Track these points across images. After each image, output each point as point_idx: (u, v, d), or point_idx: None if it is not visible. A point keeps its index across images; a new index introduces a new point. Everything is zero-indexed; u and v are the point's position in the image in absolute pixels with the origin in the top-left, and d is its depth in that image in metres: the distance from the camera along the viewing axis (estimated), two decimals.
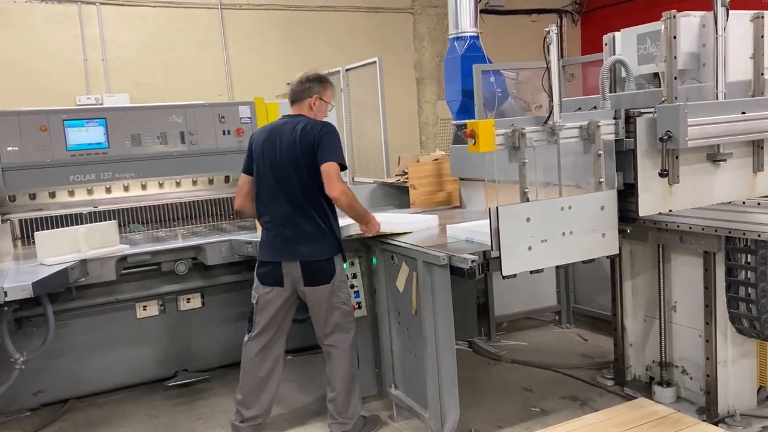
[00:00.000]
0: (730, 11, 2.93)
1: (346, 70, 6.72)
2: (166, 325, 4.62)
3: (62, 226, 4.45)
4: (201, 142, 4.76)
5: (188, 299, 4.65)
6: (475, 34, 5.35)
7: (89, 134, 4.44)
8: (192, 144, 4.73)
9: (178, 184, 4.91)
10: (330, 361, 3.69)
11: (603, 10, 10.26)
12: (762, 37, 2.78)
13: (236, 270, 4.69)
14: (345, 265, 3.72)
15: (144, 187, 4.79)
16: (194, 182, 4.98)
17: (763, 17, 2.80)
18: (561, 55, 10.16)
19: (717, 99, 2.59)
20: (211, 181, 5.02)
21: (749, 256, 3.21)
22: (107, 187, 4.66)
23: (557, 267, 4.73)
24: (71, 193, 4.59)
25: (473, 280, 4.96)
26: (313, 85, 3.55)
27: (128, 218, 4.83)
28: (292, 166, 3.45)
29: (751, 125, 2.54)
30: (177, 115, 4.68)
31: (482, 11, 9.47)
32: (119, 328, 4.47)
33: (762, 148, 2.70)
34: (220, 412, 4.22)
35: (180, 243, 4.29)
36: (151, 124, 4.61)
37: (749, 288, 3.26)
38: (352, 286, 4.05)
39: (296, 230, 3.49)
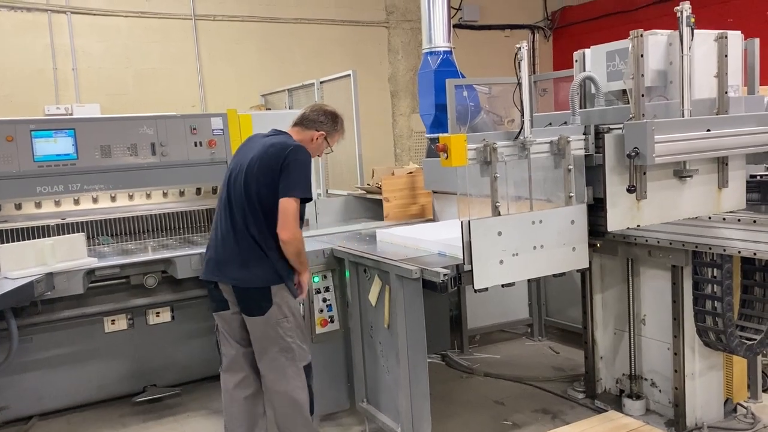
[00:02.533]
0: (696, 30, 2.99)
1: (321, 82, 6.73)
2: (135, 340, 4.53)
3: (28, 239, 4.34)
4: (172, 154, 4.70)
5: (158, 313, 4.57)
6: (449, 49, 5.40)
7: (57, 145, 4.37)
8: (163, 155, 4.68)
9: (148, 196, 4.85)
10: (268, 407, 3.43)
11: (574, 26, 10.43)
12: (726, 56, 2.85)
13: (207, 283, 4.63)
14: (299, 298, 3.40)
15: (113, 198, 4.71)
16: (165, 194, 4.91)
17: (726, 37, 2.87)
18: (533, 71, 10.34)
19: (683, 116, 2.64)
20: (182, 193, 4.96)
21: (715, 270, 3.27)
22: (75, 198, 4.57)
23: (529, 280, 4.77)
24: (38, 205, 4.49)
25: (446, 293, 5.02)
26: (327, 121, 3.38)
27: (97, 230, 4.74)
28: (245, 181, 3.20)
29: (716, 142, 2.59)
30: (148, 126, 4.62)
31: (456, 26, 9.58)
32: (86, 342, 4.37)
33: (726, 164, 2.76)
34: (190, 428, 4.16)
35: (149, 256, 4.22)
36: (121, 136, 4.54)
37: (715, 302, 3.31)
38: (325, 300, 4.04)
39: (230, 251, 3.22)
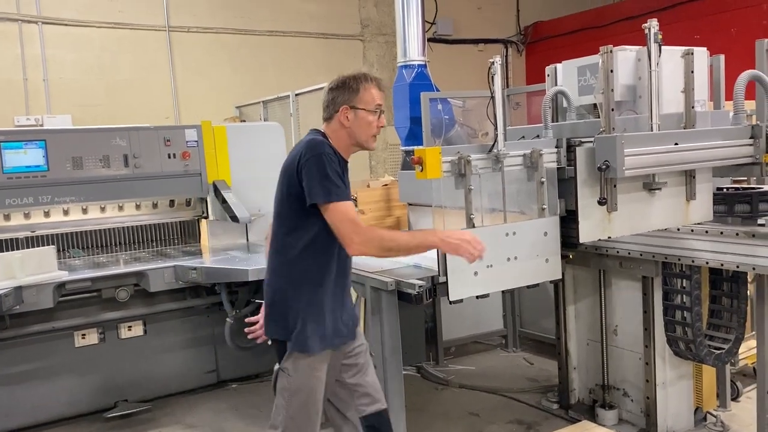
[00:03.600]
0: (664, 47, 3.07)
1: (296, 94, 6.74)
2: (106, 354, 4.47)
3: None
4: (145, 166, 4.65)
5: (129, 327, 4.52)
6: (423, 63, 5.44)
7: (28, 156, 4.29)
8: (136, 167, 4.62)
9: (120, 208, 4.80)
10: None
11: (547, 41, 10.61)
12: (692, 72, 2.92)
13: (180, 297, 4.60)
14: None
15: (85, 211, 4.65)
16: (138, 206, 4.87)
17: (692, 53, 2.94)
18: (507, 84, 10.48)
19: (652, 130, 2.70)
20: (155, 205, 4.92)
21: (684, 280, 3.34)
22: (46, 211, 4.50)
23: (503, 292, 4.82)
24: (7, 217, 4.42)
25: (421, 305, 5.03)
26: (337, 95, 2.68)
27: (68, 243, 4.68)
28: (278, 201, 2.66)
29: (684, 156, 2.65)
30: (121, 137, 4.57)
31: (430, 40, 9.67)
32: (56, 357, 4.30)
33: (694, 177, 2.82)
34: None
35: (121, 269, 4.17)
36: (93, 147, 4.48)
37: (685, 312, 3.38)
38: None
39: (268, 287, 2.70)
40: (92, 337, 4.41)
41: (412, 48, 5.45)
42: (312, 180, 2.47)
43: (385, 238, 2.52)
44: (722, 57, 3.86)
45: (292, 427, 2.62)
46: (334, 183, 2.48)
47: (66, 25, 7.43)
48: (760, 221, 3.00)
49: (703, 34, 8.10)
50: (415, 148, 3.52)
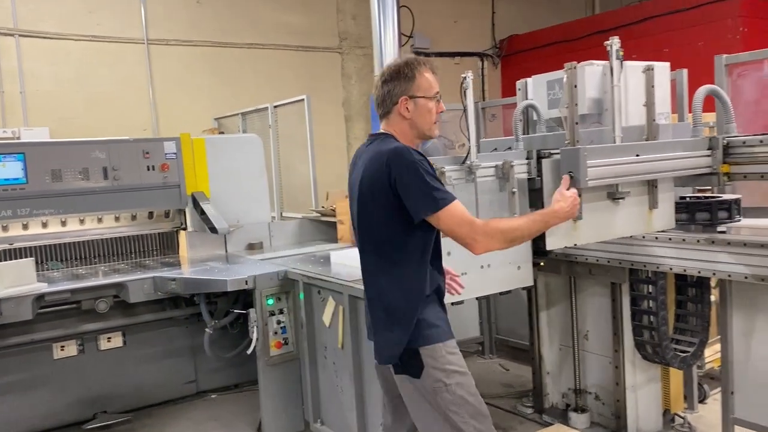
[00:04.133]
0: (628, 62, 3.20)
1: (275, 106, 6.80)
2: (85, 366, 4.48)
3: None
4: (124, 178, 4.69)
5: (109, 338, 4.54)
6: None
7: (6, 169, 4.31)
8: (115, 180, 4.66)
9: (99, 220, 4.82)
10: None
11: (521, 54, 10.80)
12: (653, 87, 3.05)
13: (159, 308, 4.62)
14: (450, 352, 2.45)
15: (64, 223, 4.67)
16: (117, 218, 4.90)
17: (653, 69, 3.08)
18: (483, 97, 10.64)
19: (615, 142, 2.83)
20: (134, 217, 4.95)
21: (650, 286, 3.46)
22: (24, 223, 4.52)
23: (478, 299, 4.93)
24: None
25: None
26: (393, 86, 2.49)
27: (46, 255, 4.68)
28: (371, 222, 2.48)
29: (644, 167, 2.77)
30: (100, 150, 4.61)
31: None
32: (35, 370, 4.31)
33: (656, 187, 2.94)
34: None
35: (101, 280, 4.19)
36: (72, 160, 4.51)
37: (651, 316, 3.50)
38: (279, 322, 4.08)
39: (371, 306, 2.57)
40: (71, 349, 4.42)
41: (388, 61, 5.56)
42: (414, 194, 2.32)
43: (506, 230, 2.41)
44: (685, 71, 4.04)
45: (480, 427, 2.44)
46: (435, 188, 2.34)
47: (43, 38, 7.42)
48: (720, 229, 3.14)
49: (672, 48, 8.34)
50: None
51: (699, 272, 3.08)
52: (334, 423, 3.83)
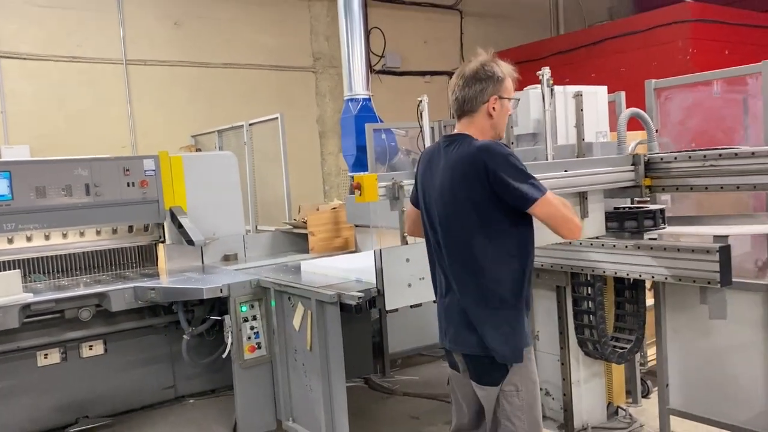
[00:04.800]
0: (565, 87, 3.58)
1: (250, 124, 7.11)
2: (68, 373, 4.70)
3: None
4: (106, 194, 4.94)
5: (90, 346, 4.77)
6: (368, 97, 5.93)
7: None
8: (97, 195, 4.91)
9: (82, 234, 5.06)
10: None
11: None
12: (581, 110, 3.41)
13: (139, 317, 4.87)
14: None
15: (47, 237, 4.90)
16: (98, 232, 5.14)
17: (581, 94, 3.44)
18: (452, 115, 11.04)
19: (547, 159, 3.17)
20: (114, 231, 5.20)
21: (589, 288, 3.82)
22: (9, 237, 4.75)
23: (435, 301, 5.27)
24: None
25: (369, 321, 5.42)
26: (486, 85, 2.55)
27: (30, 268, 4.90)
28: (464, 221, 2.52)
29: (573, 180, 3.10)
30: (83, 168, 4.87)
31: (380, 72, 10.22)
32: (18, 376, 4.52)
33: (586, 198, 3.29)
34: None
35: (84, 290, 4.44)
36: (56, 177, 4.76)
37: (591, 316, 3.86)
38: (252, 328, 4.36)
39: (462, 312, 2.61)
40: (54, 357, 4.65)
41: (357, 83, 5.94)
42: (516, 184, 2.36)
43: (568, 204, 2.50)
44: (623, 94, 4.44)
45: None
46: (533, 177, 2.41)
47: (24, 59, 7.67)
48: (651, 235, 3.50)
49: (628, 67, 8.80)
50: (355, 175, 3.95)
51: (627, 274, 3.44)
52: (304, 420, 4.11)
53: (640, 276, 3.39)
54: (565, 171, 3.01)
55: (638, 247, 3.33)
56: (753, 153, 3.19)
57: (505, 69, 2.61)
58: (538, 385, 2.63)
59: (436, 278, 2.77)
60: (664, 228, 3.48)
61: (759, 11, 9.42)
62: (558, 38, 11.42)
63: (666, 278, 3.24)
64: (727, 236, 3.13)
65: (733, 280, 3.55)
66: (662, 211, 3.49)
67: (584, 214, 3.20)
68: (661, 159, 3.30)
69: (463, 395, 2.77)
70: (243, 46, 9.23)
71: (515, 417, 2.51)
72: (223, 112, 8.53)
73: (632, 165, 3.35)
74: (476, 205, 2.46)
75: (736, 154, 3.22)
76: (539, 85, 3.83)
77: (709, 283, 3.07)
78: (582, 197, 3.19)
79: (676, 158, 3.22)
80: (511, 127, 3.14)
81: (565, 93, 3.75)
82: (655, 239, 3.50)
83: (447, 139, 2.65)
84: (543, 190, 2.39)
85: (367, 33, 6.39)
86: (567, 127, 3.73)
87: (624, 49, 9.26)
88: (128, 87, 8.36)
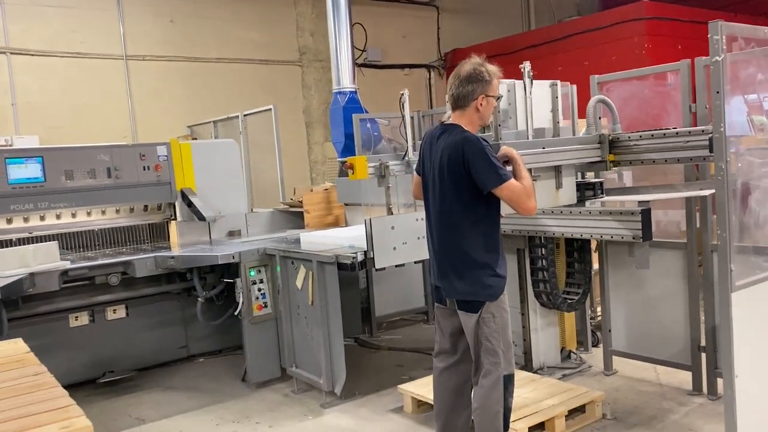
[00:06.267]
0: (536, 80, 4.26)
1: (245, 115, 7.76)
2: (95, 333, 5.37)
3: None
4: (124, 177, 5.60)
5: (114, 310, 5.45)
6: (354, 90, 6.61)
7: (28, 170, 5.19)
8: (117, 178, 5.57)
9: (103, 212, 5.71)
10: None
11: None
12: (557, 97, 4.07)
13: (156, 284, 5.55)
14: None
15: (74, 215, 5.55)
16: (117, 211, 5.79)
17: (557, 84, 4.12)
18: (430, 105, 11.76)
19: (528, 138, 3.84)
20: (132, 210, 5.85)
21: (542, 249, 4.59)
22: (42, 215, 5.39)
23: (423, 272, 6.06)
24: (9, 221, 5.28)
25: (358, 289, 6.15)
26: (477, 86, 3.18)
27: (60, 243, 5.52)
28: (448, 191, 3.21)
29: (549, 156, 3.71)
30: (104, 153, 5.52)
31: (362, 65, 10.89)
32: (54, 336, 5.17)
33: (561, 172, 3.88)
34: (143, 399, 5.05)
35: (112, 259, 5.10)
36: (82, 162, 5.41)
37: (544, 272, 4.63)
38: (260, 289, 5.07)
39: (448, 261, 3.28)
40: (84, 319, 5.32)
41: (344, 77, 6.62)
42: (483, 171, 3.04)
43: (529, 188, 3.15)
44: (574, 87, 5.18)
45: (509, 356, 3.27)
46: (499, 167, 3.07)
47: (32, 55, 8.23)
48: (588, 203, 4.24)
49: (590, 60, 9.58)
50: (348, 158, 4.67)
51: (572, 235, 4.22)
52: (306, 366, 4.83)
53: (581, 236, 4.17)
54: (543, 148, 3.72)
55: (580, 212, 4.09)
56: (689, 132, 3.74)
57: (493, 71, 3.24)
58: (509, 313, 3.33)
59: (430, 234, 3.42)
60: (602, 197, 4.23)
61: (710, 9, 10.26)
62: (528, 33, 12.17)
63: (601, 236, 4.01)
64: (648, 201, 3.90)
65: (660, 240, 4.38)
66: (601, 183, 4.23)
67: (559, 185, 3.90)
68: (628, 138, 3.95)
69: (445, 325, 3.44)
70: (234, 42, 9.85)
71: (492, 338, 3.20)
72: (216, 104, 9.17)
73: (598, 143, 4.04)
74: (457, 182, 3.15)
75: (677, 133, 3.76)
76: (505, 81, 4.55)
77: (633, 238, 3.84)
78: (556, 171, 3.89)
79: (635, 137, 3.92)
80: (498, 125, 3.71)
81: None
82: (595, 206, 4.26)
83: (443, 127, 3.32)
84: (504, 179, 3.05)
85: (352, 26, 7.02)
86: (533, 114, 4.37)
87: (587, 44, 10.04)
88: (128, 81, 8.95)
